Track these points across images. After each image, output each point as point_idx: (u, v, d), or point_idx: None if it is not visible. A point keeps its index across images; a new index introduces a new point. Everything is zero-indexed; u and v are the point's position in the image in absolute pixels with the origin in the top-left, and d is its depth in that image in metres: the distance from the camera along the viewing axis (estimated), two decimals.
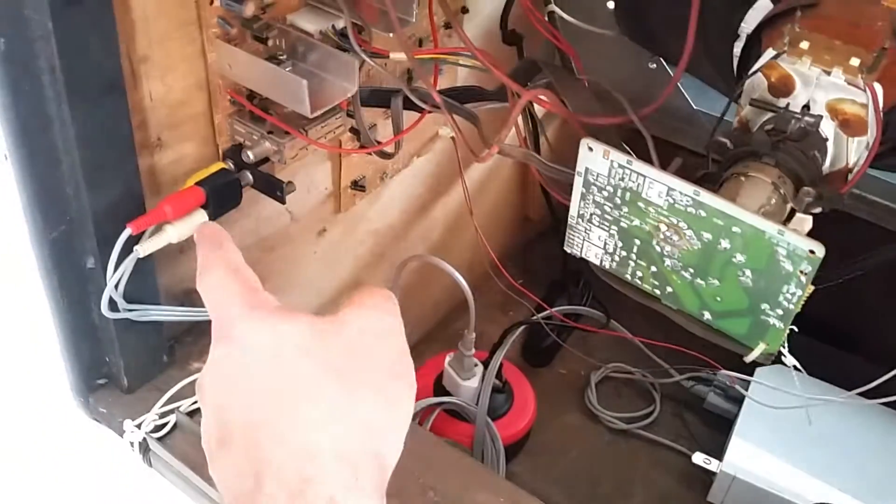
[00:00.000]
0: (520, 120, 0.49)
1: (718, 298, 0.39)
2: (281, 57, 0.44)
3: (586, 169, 0.40)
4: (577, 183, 0.41)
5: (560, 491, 0.68)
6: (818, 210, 0.40)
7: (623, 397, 0.76)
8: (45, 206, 0.40)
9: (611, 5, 0.64)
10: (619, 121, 0.44)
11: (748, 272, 0.37)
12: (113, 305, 0.43)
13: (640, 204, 0.39)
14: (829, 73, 0.39)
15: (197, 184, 0.43)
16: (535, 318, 0.74)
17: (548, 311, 0.73)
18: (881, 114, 0.39)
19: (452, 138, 0.60)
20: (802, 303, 0.36)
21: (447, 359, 0.66)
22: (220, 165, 0.45)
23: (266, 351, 0.28)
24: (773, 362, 0.40)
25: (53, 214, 0.41)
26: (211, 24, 0.43)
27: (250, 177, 0.47)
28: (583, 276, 0.79)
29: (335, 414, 0.27)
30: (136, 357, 0.47)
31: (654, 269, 0.41)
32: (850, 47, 0.40)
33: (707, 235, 0.37)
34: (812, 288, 0.36)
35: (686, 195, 0.37)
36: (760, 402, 0.62)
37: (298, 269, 0.60)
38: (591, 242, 0.42)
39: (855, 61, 0.39)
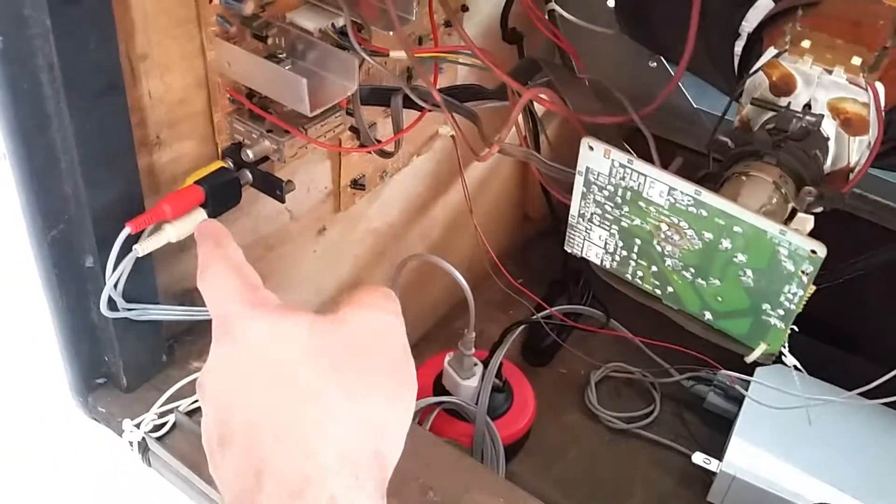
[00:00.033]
0: (520, 118, 0.49)
1: (719, 298, 0.39)
2: (280, 55, 0.44)
3: (587, 168, 0.40)
4: (578, 182, 0.41)
5: (559, 491, 0.68)
6: (819, 210, 0.40)
7: (623, 397, 0.76)
8: (43, 204, 0.40)
9: (611, 3, 0.63)
10: (619, 120, 0.43)
11: (749, 272, 0.37)
12: (112, 305, 0.43)
13: (641, 203, 0.39)
14: (830, 72, 0.39)
15: (196, 182, 0.43)
16: (535, 317, 0.74)
17: (548, 311, 0.73)
18: (883, 113, 0.39)
19: (452, 137, 0.60)
20: (804, 303, 0.36)
21: (447, 358, 0.66)
22: (219, 164, 0.45)
23: (267, 349, 0.28)
24: (774, 362, 0.40)
25: (52, 213, 0.41)
26: (210, 22, 0.43)
27: (250, 175, 0.46)
28: (583, 275, 0.79)
29: (336, 413, 0.26)
30: (135, 356, 0.47)
31: (654, 268, 0.40)
32: (852, 46, 0.40)
33: (708, 235, 0.37)
34: (813, 288, 0.35)
35: (687, 195, 0.37)
36: (760, 403, 0.62)
37: (298, 267, 0.60)
38: (591, 242, 0.42)
39: (857, 60, 0.39)
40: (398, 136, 0.49)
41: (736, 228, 0.36)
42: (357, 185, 0.60)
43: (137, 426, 0.46)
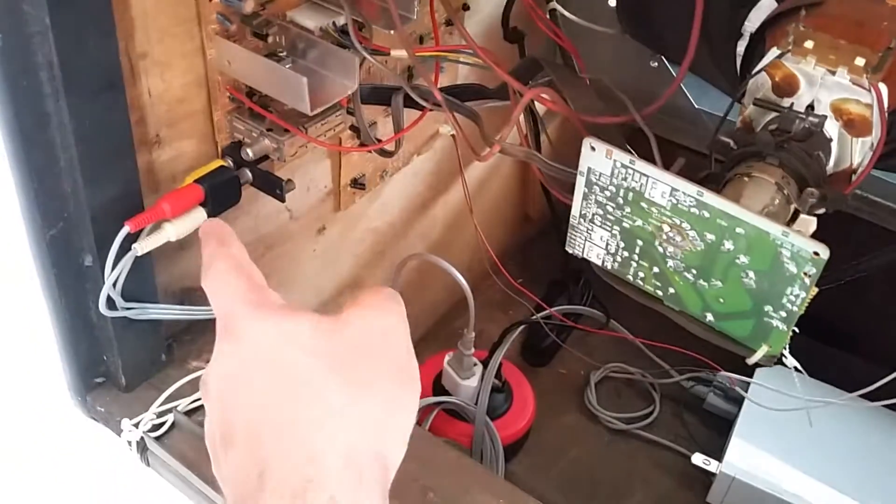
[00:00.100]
0: (521, 118, 0.49)
1: (721, 300, 0.39)
2: (281, 54, 0.44)
3: (589, 168, 0.40)
4: (580, 182, 0.40)
5: (559, 491, 0.68)
6: (822, 211, 0.40)
7: (623, 397, 0.76)
8: (42, 203, 0.40)
9: (612, 3, 0.63)
10: (621, 120, 0.43)
11: (751, 274, 0.37)
12: (111, 304, 0.43)
13: (643, 204, 0.39)
14: (833, 73, 0.39)
15: (196, 181, 0.43)
16: (534, 317, 0.74)
17: (547, 311, 0.73)
18: (886, 114, 0.39)
19: (453, 136, 0.60)
20: (806, 305, 0.36)
21: (446, 358, 0.66)
22: (219, 163, 0.45)
23: (270, 349, 0.28)
24: (775, 364, 0.40)
25: (51, 212, 0.41)
26: (210, 20, 0.42)
27: (249, 174, 0.46)
28: (583, 275, 0.79)
29: (338, 413, 0.26)
30: (134, 356, 0.47)
31: (656, 269, 0.40)
32: (855, 47, 0.39)
33: (710, 236, 0.37)
34: (816, 290, 0.35)
35: (689, 196, 0.37)
36: (760, 405, 0.62)
37: (298, 267, 0.60)
38: (592, 243, 0.42)
39: (860, 61, 0.39)
40: (399, 135, 0.49)
41: (738, 230, 0.36)
42: (357, 184, 0.59)
43: (136, 426, 0.46)
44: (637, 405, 0.75)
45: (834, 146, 0.40)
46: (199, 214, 0.43)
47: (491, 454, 0.64)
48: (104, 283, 0.42)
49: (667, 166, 0.39)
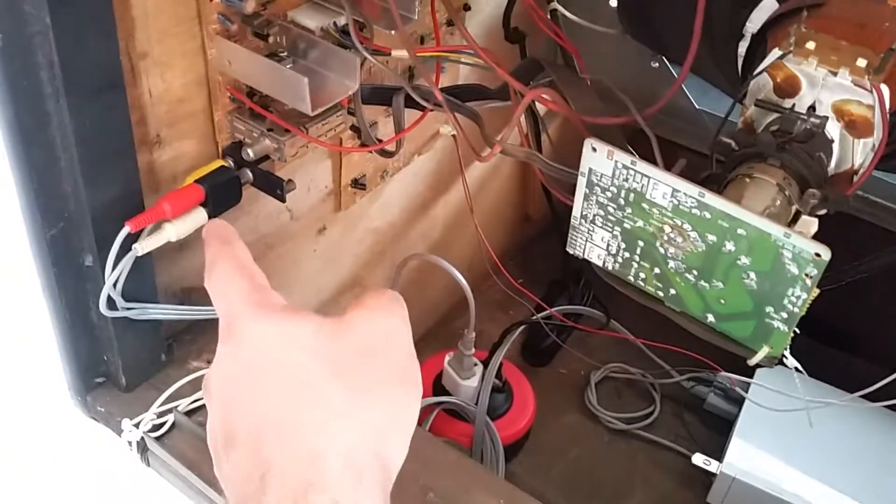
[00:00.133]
0: (522, 118, 0.49)
1: (722, 301, 0.38)
2: (282, 54, 0.44)
3: (590, 169, 0.39)
4: (581, 183, 0.40)
5: (559, 491, 0.68)
6: (823, 212, 0.40)
7: (623, 397, 0.76)
8: (42, 203, 0.40)
9: (613, 3, 0.63)
10: (622, 121, 0.43)
11: (753, 275, 0.37)
12: (111, 304, 0.43)
13: (644, 205, 0.38)
14: (835, 74, 0.39)
15: (196, 181, 0.43)
16: (535, 317, 0.74)
17: (548, 311, 0.73)
18: (887, 115, 0.39)
19: (453, 136, 0.60)
20: (807, 306, 0.36)
21: (447, 358, 0.66)
22: (219, 163, 0.45)
23: (272, 351, 0.28)
24: (775, 364, 0.40)
25: (51, 212, 0.40)
26: (211, 20, 0.42)
27: (250, 175, 0.46)
28: (583, 275, 0.78)
29: (340, 416, 0.26)
30: (134, 356, 0.47)
31: (657, 270, 0.40)
32: (857, 48, 0.39)
33: (711, 237, 0.37)
34: (817, 291, 0.35)
35: (691, 197, 0.37)
36: (761, 405, 0.62)
37: (298, 267, 0.60)
38: (593, 243, 0.42)
39: (861, 62, 0.39)
40: (400, 135, 0.49)
41: (740, 231, 0.36)
42: (358, 184, 0.59)
43: (136, 426, 0.46)
44: (637, 405, 0.75)
45: (835, 147, 0.40)
46: (200, 215, 0.43)
47: (491, 454, 0.64)
48: (104, 283, 0.42)
49: (668, 167, 0.39)
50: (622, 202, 0.39)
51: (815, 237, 0.36)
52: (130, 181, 0.42)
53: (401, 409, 0.28)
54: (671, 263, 0.39)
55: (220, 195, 0.44)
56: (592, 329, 0.75)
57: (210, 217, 0.43)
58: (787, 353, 0.39)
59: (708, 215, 0.37)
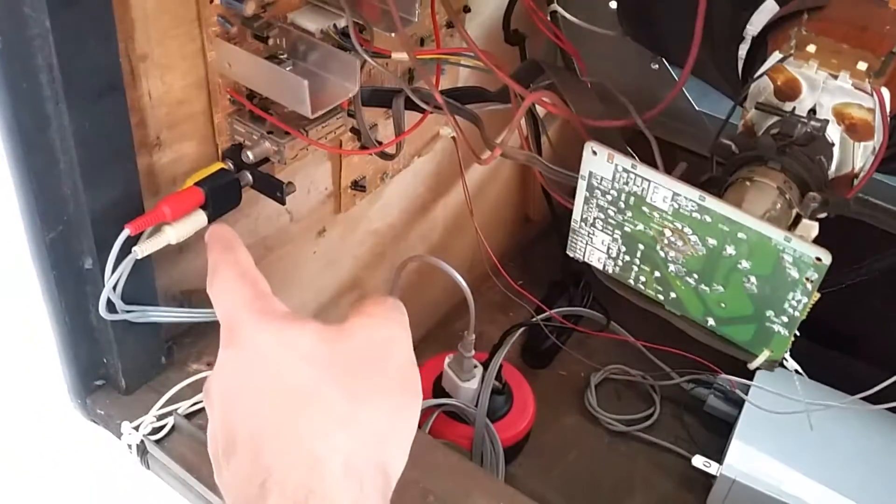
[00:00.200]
0: (521, 120, 0.49)
1: (723, 305, 0.38)
2: (281, 56, 0.44)
3: (590, 173, 0.39)
4: (581, 186, 0.40)
5: (559, 493, 0.68)
6: (824, 215, 0.40)
7: (623, 399, 0.76)
8: (42, 206, 0.40)
9: (613, 5, 0.63)
10: (622, 123, 0.43)
11: (753, 279, 0.37)
12: (111, 307, 0.43)
13: (645, 208, 0.38)
14: (835, 77, 0.39)
15: (196, 184, 0.43)
16: (534, 319, 0.74)
17: (548, 313, 0.73)
18: (888, 119, 0.39)
19: (453, 138, 0.60)
20: (808, 310, 0.36)
21: (447, 360, 0.66)
22: (219, 165, 0.45)
23: (273, 358, 0.28)
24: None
25: (51, 215, 0.40)
26: (211, 22, 0.42)
27: (250, 177, 0.46)
28: (583, 277, 0.78)
29: (340, 423, 0.26)
30: (134, 358, 0.47)
31: (657, 274, 0.40)
32: (858, 51, 0.39)
33: (712, 241, 0.37)
34: (818, 295, 0.35)
35: (691, 200, 0.37)
36: (761, 407, 0.62)
37: (298, 269, 0.60)
38: (594, 247, 0.42)
39: (862, 65, 0.39)
40: (400, 138, 0.49)
41: (740, 235, 0.36)
42: (357, 186, 0.59)
43: (136, 429, 0.46)
44: (637, 407, 0.74)
45: (836, 150, 0.40)
46: (200, 217, 0.43)
47: (491, 456, 0.64)
48: (104, 285, 0.41)
49: (668, 169, 0.39)
50: (622, 205, 0.39)
51: (816, 240, 0.36)
52: (130, 184, 0.41)
53: (401, 416, 0.28)
54: (671, 267, 0.39)
55: (220, 198, 0.44)
56: (592, 331, 0.75)
57: (210, 220, 0.43)
58: (787, 355, 0.39)
59: (708, 219, 0.37)
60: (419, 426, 0.66)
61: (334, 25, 0.44)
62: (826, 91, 0.39)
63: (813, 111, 0.40)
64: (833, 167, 0.41)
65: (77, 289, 0.43)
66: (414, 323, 0.30)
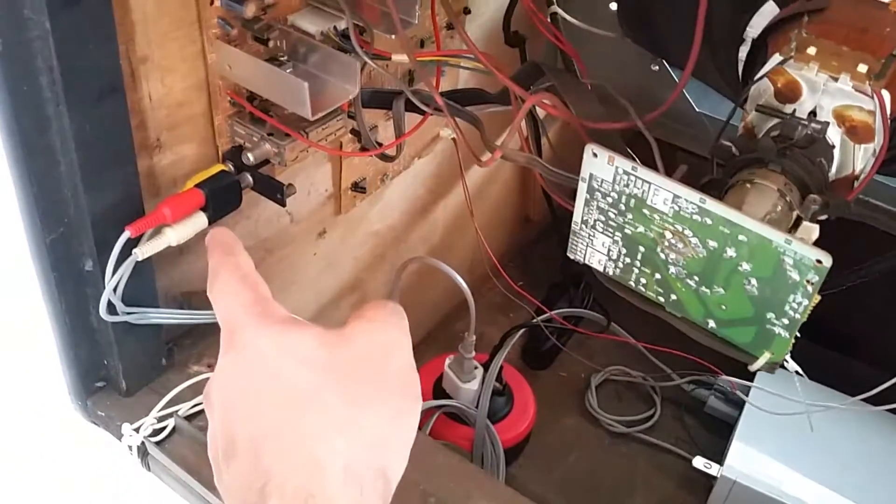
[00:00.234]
0: (522, 122, 0.49)
1: (723, 307, 0.38)
2: (282, 58, 0.44)
3: (590, 175, 0.39)
4: (581, 189, 0.40)
5: (560, 494, 0.68)
6: (824, 217, 0.40)
7: (623, 400, 0.76)
8: (42, 207, 0.40)
9: (614, 7, 0.63)
10: (622, 125, 0.43)
11: (754, 281, 0.37)
12: (111, 308, 0.43)
13: (645, 211, 0.38)
14: (836, 80, 0.39)
15: (196, 186, 0.43)
16: (535, 320, 0.74)
17: (548, 314, 0.73)
18: (888, 121, 0.39)
19: (453, 140, 0.60)
20: (809, 312, 0.36)
21: (447, 361, 0.66)
22: (219, 167, 0.45)
23: (273, 362, 0.28)
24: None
25: (51, 216, 0.40)
26: (211, 24, 0.42)
27: (250, 179, 0.46)
28: (584, 278, 0.78)
29: (340, 427, 0.26)
30: (134, 360, 0.47)
31: (658, 276, 0.40)
32: (858, 53, 0.39)
33: (713, 243, 0.37)
34: (818, 297, 0.35)
35: (692, 202, 0.37)
36: (761, 409, 0.62)
37: (298, 270, 0.60)
38: (594, 249, 0.42)
39: (863, 68, 0.39)
40: (400, 139, 0.49)
41: (741, 237, 0.36)
42: (358, 187, 0.59)
43: (137, 430, 0.46)
44: (638, 408, 0.74)
45: (836, 153, 0.40)
46: (200, 219, 0.43)
47: (492, 457, 0.64)
48: (105, 287, 0.42)
49: (668, 170, 0.39)
50: (623, 208, 0.39)
51: (816, 242, 0.36)
52: (130, 185, 0.42)
53: (401, 421, 0.28)
54: (672, 269, 0.39)
55: (221, 199, 0.44)
56: (593, 332, 0.75)
57: (210, 221, 0.43)
58: (787, 356, 0.39)
59: (709, 221, 0.37)
60: (419, 427, 0.66)
61: (334, 27, 0.44)
62: (826, 93, 0.39)
63: (813, 113, 0.40)
64: (833, 169, 0.41)
65: (77, 290, 0.43)
66: (414, 324, 0.30)
